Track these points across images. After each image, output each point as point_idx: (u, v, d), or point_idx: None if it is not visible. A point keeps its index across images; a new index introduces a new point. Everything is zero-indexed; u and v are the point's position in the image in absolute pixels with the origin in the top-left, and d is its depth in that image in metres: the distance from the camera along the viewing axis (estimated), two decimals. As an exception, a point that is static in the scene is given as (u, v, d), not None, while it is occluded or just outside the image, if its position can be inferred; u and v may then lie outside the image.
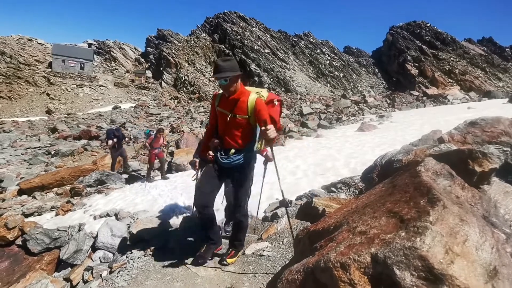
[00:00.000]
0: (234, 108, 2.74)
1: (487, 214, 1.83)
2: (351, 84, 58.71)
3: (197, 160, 3.37)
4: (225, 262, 2.91)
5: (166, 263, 2.97)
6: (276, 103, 3.00)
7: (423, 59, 55.60)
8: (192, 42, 57.25)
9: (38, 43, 51.32)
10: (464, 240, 1.16)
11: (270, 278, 2.53)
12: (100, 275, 3.33)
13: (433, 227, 1.16)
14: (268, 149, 3.64)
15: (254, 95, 2.78)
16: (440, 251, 1.09)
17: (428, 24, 64.86)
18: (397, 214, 1.35)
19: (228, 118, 2.76)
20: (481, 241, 1.19)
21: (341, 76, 59.65)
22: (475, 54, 57.53)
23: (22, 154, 14.30)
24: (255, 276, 2.67)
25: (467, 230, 1.20)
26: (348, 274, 1.18)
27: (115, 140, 9.47)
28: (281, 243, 3.26)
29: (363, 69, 66.28)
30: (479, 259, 1.13)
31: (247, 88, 2.89)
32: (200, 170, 3.26)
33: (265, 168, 4.03)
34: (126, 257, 3.53)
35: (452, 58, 55.05)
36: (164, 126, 21.50)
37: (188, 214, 5.16)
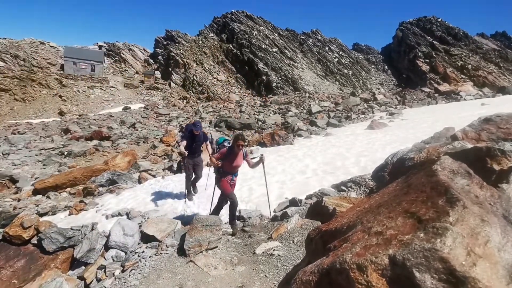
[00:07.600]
0: None
1: (507, 214, 1.77)
2: (360, 81, 58.04)
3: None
4: None
5: (177, 262, 2.98)
6: None
7: (434, 55, 54.50)
8: (200, 42, 57.54)
9: (50, 46, 52.41)
10: (485, 241, 1.12)
11: (281, 277, 2.51)
12: (113, 273, 3.37)
13: (453, 228, 1.12)
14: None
15: None
16: (462, 253, 1.06)
17: (439, 19, 63.59)
18: (415, 214, 1.31)
19: None
20: (503, 242, 1.15)
21: (350, 73, 59.02)
22: (488, 49, 56.12)
23: (36, 155, 14.62)
24: (266, 275, 2.65)
25: (488, 231, 1.16)
26: (365, 276, 1.15)
27: (183, 143, 6.00)
28: (291, 242, 3.24)
29: (373, 66, 65.45)
30: (501, 260, 1.09)
31: None
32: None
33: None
34: (138, 256, 3.57)
35: (464, 54, 53.78)
36: (174, 126, 21.60)
37: (199, 213, 5.18)
